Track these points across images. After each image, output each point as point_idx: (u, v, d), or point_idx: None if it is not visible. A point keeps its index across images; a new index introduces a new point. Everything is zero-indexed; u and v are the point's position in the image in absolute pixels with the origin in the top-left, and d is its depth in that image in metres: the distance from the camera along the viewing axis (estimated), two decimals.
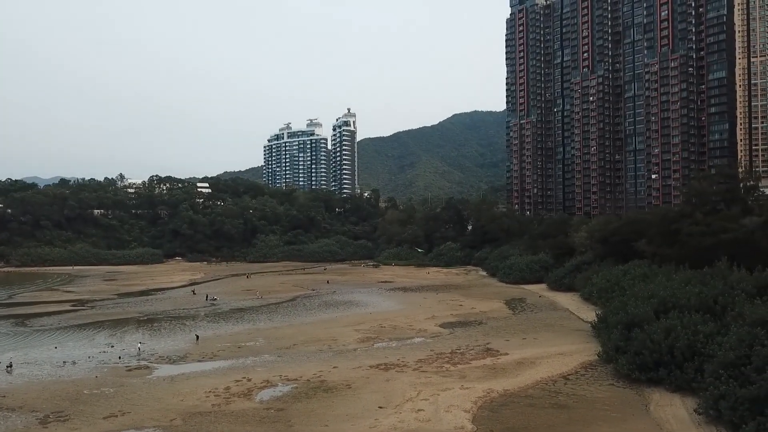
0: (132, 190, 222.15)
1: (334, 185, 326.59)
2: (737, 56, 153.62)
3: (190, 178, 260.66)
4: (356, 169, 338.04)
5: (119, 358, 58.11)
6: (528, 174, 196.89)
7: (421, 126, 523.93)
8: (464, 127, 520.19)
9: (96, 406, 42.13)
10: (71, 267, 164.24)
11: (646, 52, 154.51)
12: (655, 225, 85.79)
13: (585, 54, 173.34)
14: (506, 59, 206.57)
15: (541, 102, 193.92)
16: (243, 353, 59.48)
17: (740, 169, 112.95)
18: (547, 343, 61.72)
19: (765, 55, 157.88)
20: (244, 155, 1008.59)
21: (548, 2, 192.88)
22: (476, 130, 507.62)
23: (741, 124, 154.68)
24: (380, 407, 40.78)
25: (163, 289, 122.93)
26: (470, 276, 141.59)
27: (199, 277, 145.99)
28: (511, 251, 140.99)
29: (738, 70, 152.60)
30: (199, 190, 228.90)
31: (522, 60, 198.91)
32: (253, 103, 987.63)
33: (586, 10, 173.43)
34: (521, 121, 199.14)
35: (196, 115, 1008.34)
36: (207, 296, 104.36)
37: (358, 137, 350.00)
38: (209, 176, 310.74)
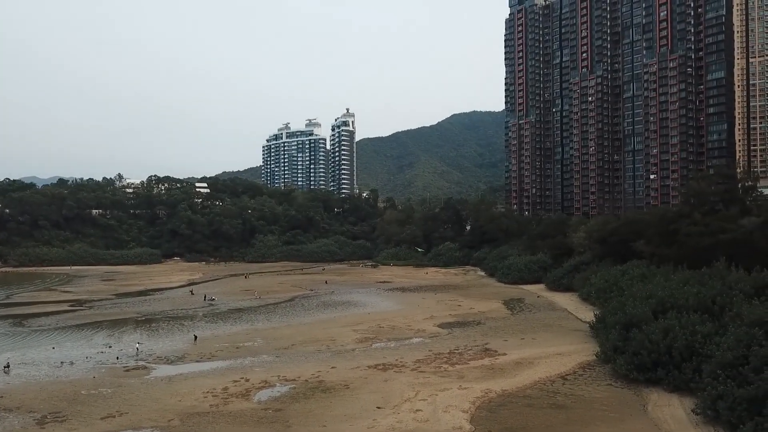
0: (130, 190, 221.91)
1: (333, 185, 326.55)
2: (736, 57, 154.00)
3: (188, 178, 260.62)
4: (355, 169, 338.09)
5: (117, 358, 58.02)
6: (527, 174, 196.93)
7: (420, 126, 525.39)
8: (463, 127, 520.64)
9: (93, 406, 42.06)
10: (69, 267, 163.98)
11: (645, 52, 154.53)
12: (653, 225, 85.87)
13: (584, 54, 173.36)
14: (505, 59, 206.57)
15: (540, 102, 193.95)
16: (241, 353, 59.42)
17: (739, 170, 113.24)
18: (545, 343, 61.72)
19: (764, 56, 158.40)
20: (243, 155, 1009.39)
21: (547, 2, 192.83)
22: (475, 130, 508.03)
23: (739, 124, 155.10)
24: (378, 407, 40.75)
25: (162, 289, 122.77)
26: (469, 276, 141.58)
27: (198, 277, 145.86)
28: (510, 251, 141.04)
29: (737, 71, 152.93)
30: (197, 190, 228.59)
31: (521, 60, 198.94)
32: (252, 103, 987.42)
33: (585, 10, 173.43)
34: (520, 122, 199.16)
35: (194, 114, 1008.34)
36: (205, 296, 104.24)
37: (357, 137, 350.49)
38: (208, 176, 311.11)
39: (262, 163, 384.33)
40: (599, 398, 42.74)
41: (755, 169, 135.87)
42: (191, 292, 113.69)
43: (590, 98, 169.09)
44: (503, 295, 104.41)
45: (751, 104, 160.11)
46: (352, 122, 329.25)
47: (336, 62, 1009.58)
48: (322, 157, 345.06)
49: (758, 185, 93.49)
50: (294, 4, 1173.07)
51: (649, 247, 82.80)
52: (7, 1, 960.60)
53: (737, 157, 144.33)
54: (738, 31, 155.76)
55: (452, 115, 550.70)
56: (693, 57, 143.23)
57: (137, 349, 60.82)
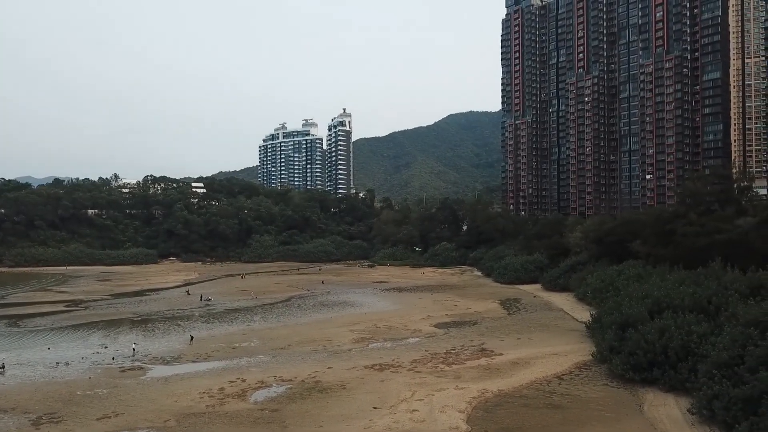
0: (126, 190, 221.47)
1: (330, 185, 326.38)
2: (731, 57, 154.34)
3: (184, 178, 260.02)
4: (352, 169, 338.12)
5: (113, 359, 57.89)
6: (523, 174, 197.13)
7: (416, 126, 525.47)
8: (460, 127, 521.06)
9: (89, 407, 41.96)
10: (65, 267, 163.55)
11: (641, 52, 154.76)
12: (649, 225, 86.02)
13: (580, 54, 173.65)
14: (502, 59, 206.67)
15: (537, 102, 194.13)
16: (237, 354, 59.35)
17: (734, 170, 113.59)
18: (541, 343, 61.80)
19: (759, 56, 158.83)
20: (239, 155, 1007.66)
21: (544, 3, 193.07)
22: (472, 130, 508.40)
23: (735, 124, 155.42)
24: (375, 408, 40.74)
25: (158, 289, 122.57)
26: (465, 276, 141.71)
27: (194, 277, 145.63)
28: (506, 251, 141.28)
29: (732, 71, 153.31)
30: (193, 190, 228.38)
31: (517, 60, 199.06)
32: (248, 103, 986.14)
33: (581, 10, 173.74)
34: (516, 122, 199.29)
35: (191, 114, 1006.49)
36: (201, 297, 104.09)
37: (354, 137, 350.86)
38: (204, 176, 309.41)
39: (258, 163, 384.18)
40: (595, 398, 42.81)
41: (751, 170, 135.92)
42: (187, 292, 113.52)
43: (586, 98, 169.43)
44: (500, 295, 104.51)
45: (746, 105, 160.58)
46: (349, 122, 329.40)
47: (333, 62, 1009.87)
48: (318, 157, 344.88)
49: (754, 185, 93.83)
50: (293, 4, 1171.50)
51: (645, 247, 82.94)
52: (4, 1, 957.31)
53: (733, 158, 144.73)
54: (733, 32, 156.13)
55: (449, 115, 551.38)
56: (689, 57, 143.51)
57: (134, 349, 60.74)
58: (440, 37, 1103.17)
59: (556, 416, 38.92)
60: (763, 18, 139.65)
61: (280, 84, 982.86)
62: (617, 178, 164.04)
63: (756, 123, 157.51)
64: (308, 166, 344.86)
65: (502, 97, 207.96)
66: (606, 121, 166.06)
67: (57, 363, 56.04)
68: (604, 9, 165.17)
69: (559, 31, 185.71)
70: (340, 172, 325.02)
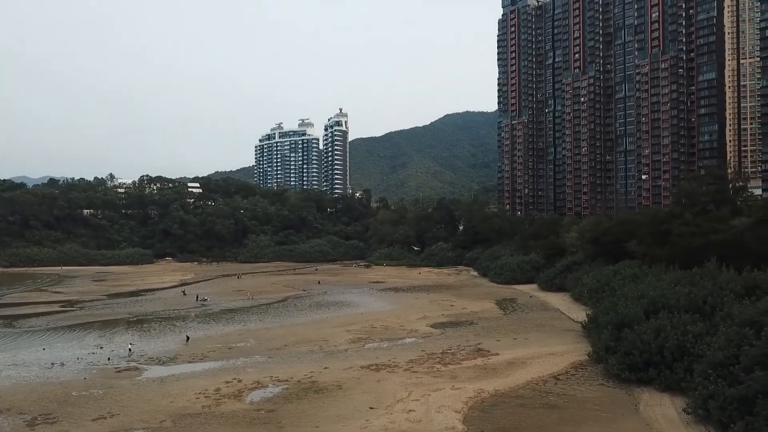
0: (122, 190, 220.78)
1: (326, 185, 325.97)
2: (727, 58, 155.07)
3: (180, 178, 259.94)
4: (348, 169, 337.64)
5: (108, 359, 57.68)
6: (519, 174, 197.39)
7: (413, 126, 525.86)
8: (456, 127, 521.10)
9: (84, 408, 41.80)
10: (60, 267, 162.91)
11: (636, 53, 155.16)
12: (645, 225, 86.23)
13: (576, 55, 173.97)
14: (498, 60, 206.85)
15: (533, 102, 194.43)
16: (233, 354, 59.23)
17: (729, 170, 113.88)
18: (537, 343, 61.88)
19: (754, 57, 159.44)
20: (236, 155, 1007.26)
21: (540, 3, 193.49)
22: (468, 130, 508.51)
23: (730, 125, 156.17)
24: (371, 408, 40.71)
25: (154, 289, 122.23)
26: (461, 276, 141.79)
27: (190, 277, 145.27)
28: (503, 251, 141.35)
29: (727, 72, 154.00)
30: (189, 190, 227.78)
31: (513, 60, 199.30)
32: (245, 103, 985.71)
33: (577, 11, 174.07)
34: (513, 122, 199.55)
35: (187, 114, 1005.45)
36: (197, 297, 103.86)
37: (350, 137, 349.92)
38: (200, 176, 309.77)
39: (254, 163, 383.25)
40: (591, 398, 42.88)
41: (746, 170, 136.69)
42: (183, 292, 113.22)
43: (582, 99, 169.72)
44: (496, 295, 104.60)
45: (741, 105, 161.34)
46: (345, 122, 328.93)
47: (329, 62, 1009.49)
48: (315, 157, 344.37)
49: (749, 186, 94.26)
50: (293, 4, 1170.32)
51: (641, 247, 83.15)
52: (4, 1, 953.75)
53: (728, 158, 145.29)
54: (729, 33, 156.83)
55: (445, 116, 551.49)
56: (684, 58, 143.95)
57: (130, 350, 60.54)
58: (437, 38, 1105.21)
59: (553, 416, 38.97)
60: (758, 19, 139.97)
61: (280, 84, 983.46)
62: (613, 179, 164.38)
63: (751, 123, 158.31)
64: (304, 166, 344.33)
65: (499, 97, 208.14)
66: (602, 122, 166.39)
67: (52, 363, 55.81)
68: (600, 9, 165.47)
69: (555, 31, 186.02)
70: (336, 172, 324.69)
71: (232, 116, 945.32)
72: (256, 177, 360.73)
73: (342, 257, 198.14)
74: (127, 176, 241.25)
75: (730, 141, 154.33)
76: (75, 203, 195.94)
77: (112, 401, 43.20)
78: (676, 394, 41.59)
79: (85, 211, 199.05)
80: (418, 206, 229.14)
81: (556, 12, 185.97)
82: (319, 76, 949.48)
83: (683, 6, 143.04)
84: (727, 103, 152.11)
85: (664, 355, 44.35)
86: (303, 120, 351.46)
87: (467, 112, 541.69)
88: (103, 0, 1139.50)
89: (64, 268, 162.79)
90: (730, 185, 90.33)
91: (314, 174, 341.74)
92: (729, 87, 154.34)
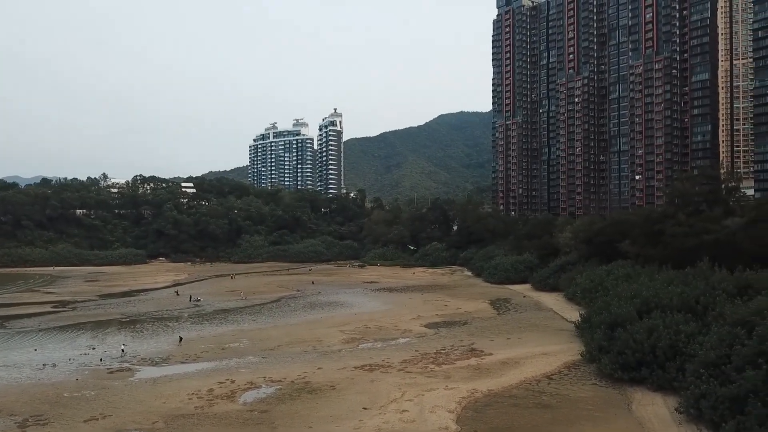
0: (115, 190, 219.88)
1: (320, 185, 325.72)
2: (720, 59, 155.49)
3: (174, 177, 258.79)
4: (342, 169, 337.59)
5: (101, 360, 57.36)
6: (513, 174, 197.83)
7: (407, 126, 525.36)
8: (450, 127, 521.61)
9: (76, 409, 41.55)
10: (53, 267, 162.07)
11: (630, 54, 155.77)
12: (638, 226, 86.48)
13: (570, 55, 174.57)
14: (492, 60, 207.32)
15: (527, 103, 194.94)
16: (227, 355, 59.01)
17: (722, 171, 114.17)
18: (531, 343, 61.95)
19: (747, 58, 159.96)
20: (230, 155, 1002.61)
21: (534, 4, 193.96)
22: (462, 130, 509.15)
23: (723, 125, 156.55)
24: (365, 408, 40.64)
25: (147, 290, 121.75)
26: (456, 276, 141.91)
27: (183, 277, 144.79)
28: (497, 251, 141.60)
29: (721, 73, 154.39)
30: (183, 190, 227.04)
31: (508, 61, 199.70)
32: (239, 103, 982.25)
33: (572, 11, 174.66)
34: (507, 122, 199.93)
35: (181, 114, 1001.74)
36: (191, 297, 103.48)
37: (345, 137, 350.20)
38: (194, 176, 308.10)
39: (248, 163, 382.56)
40: (584, 397, 42.96)
41: (738, 170, 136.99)
42: (177, 292, 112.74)
43: (577, 99, 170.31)
44: (490, 295, 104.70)
45: (734, 106, 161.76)
46: (340, 122, 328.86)
47: (324, 62, 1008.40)
48: (309, 157, 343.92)
49: (741, 186, 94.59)
50: (293, 4, 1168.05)
51: (634, 247, 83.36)
52: (4, 1, 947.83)
53: (721, 158, 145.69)
54: (722, 34, 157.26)
55: (440, 116, 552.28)
56: (678, 59, 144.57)
57: (122, 350, 60.22)
58: (437, 38, 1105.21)
59: (546, 416, 39.02)
60: (751, 20, 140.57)
61: (280, 84, 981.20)
62: (607, 179, 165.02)
63: (744, 124, 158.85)
64: (299, 166, 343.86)
65: (493, 97, 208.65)
66: (596, 122, 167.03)
67: (44, 364, 55.46)
68: (595, 10, 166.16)
69: (550, 31, 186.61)
70: (330, 172, 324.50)
71: (231, 116, 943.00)
72: (250, 177, 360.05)
73: (336, 257, 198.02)
74: (120, 176, 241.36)
75: (723, 141, 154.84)
76: (68, 203, 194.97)
77: (104, 402, 42.95)
78: (668, 394, 41.68)
79: (78, 211, 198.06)
80: (413, 206, 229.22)
81: (550, 12, 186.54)
82: (319, 76, 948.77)
83: (677, 7, 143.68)
84: (720, 104, 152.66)
85: (657, 354, 44.47)
86: (297, 120, 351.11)
87: (462, 112, 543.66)
88: (103, 0, 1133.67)
89: (56, 268, 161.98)
90: (723, 185, 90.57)
91: (308, 174, 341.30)
92: (722, 88, 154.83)
